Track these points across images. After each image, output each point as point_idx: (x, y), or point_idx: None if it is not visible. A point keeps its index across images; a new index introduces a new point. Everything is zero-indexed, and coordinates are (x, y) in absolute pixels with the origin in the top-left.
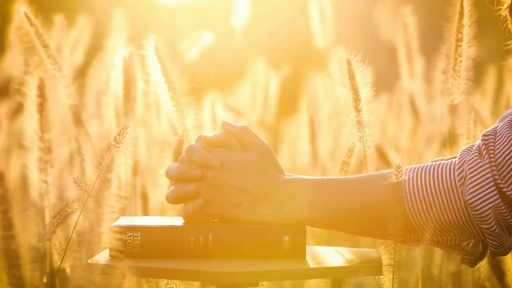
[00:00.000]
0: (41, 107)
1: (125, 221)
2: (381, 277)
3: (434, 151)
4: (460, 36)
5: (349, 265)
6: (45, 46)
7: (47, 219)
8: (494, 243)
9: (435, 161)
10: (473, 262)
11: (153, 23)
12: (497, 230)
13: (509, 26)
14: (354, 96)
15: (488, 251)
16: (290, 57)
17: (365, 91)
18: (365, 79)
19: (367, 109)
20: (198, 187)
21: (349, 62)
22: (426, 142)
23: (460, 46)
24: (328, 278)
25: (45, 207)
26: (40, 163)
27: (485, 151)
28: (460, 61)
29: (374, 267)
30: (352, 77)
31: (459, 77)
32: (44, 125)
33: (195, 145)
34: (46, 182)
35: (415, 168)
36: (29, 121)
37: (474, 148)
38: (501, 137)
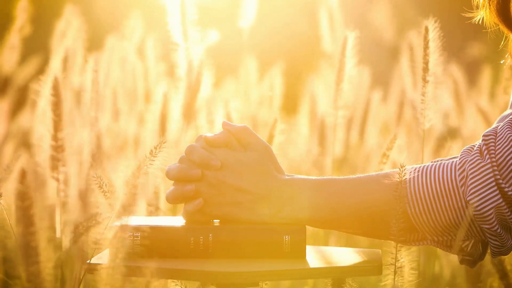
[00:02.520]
0: (55, 106)
1: (125, 221)
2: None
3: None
4: None
5: (349, 265)
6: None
7: (57, 217)
8: (496, 243)
9: (435, 161)
10: (472, 263)
11: (153, 22)
12: (498, 230)
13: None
14: (424, 66)
15: (488, 252)
16: (291, 57)
17: (435, 63)
18: (436, 52)
19: (432, 82)
20: (198, 187)
21: (426, 30)
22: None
23: None
24: (328, 278)
25: (56, 205)
26: (53, 162)
27: (486, 151)
28: None
29: (374, 267)
30: (426, 46)
31: None
32: (57, 124)
33: (195, 145)
34: (58, 180)
35: (415, 168)
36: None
37: (475, 148)
38: (502, 137)
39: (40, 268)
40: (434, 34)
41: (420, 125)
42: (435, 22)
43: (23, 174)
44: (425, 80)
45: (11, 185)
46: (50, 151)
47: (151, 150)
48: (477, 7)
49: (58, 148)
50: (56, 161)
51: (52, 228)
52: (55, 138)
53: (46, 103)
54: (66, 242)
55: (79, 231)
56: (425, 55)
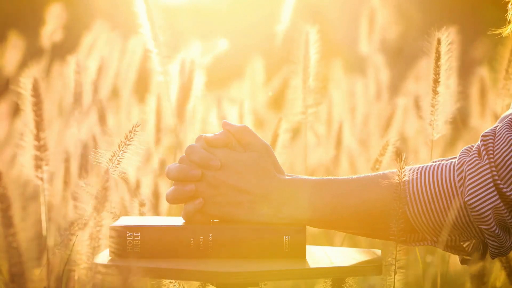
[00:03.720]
0: (36, 106)
1: (125, 221)
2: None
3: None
4: None
5: (349, 265)
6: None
7: (43, 216)
8: (494, 243)
9: (435, 162)
10: (473, 263)
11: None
12: (497, 231)
13: None
14: (435, 77)
15: (488, 252)
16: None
17: (445, 75)
18: (448, 64)
19: (444, 93)
20: (198, 187)
21: (439, 42)
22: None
23: None
24: (328, 278)
25: (41, 205)
26: (36, 161)
27: (484, 152)
28: None
29: (374, 267)
30: (438, 58)
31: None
32: (39, 124)
33: (195, 145)
34: (41, 179)
35: (414, 169)
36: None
37: (473, 149)
38: (500, 137)
39: (23, 268)
40: (446, 47)
41: (428, 136)
42: (448, 34)
43: None
44: (435, 92)
45: None
46: (33, 150)
47: (126, 134)
48: (509, 22)
49: (41, 147)
50: (39, 161)
51: (38, 227)
52: (37, 137)
53: (28, 104)
54: (51, 241)
55: (68, 233)
56: (436, 66)
